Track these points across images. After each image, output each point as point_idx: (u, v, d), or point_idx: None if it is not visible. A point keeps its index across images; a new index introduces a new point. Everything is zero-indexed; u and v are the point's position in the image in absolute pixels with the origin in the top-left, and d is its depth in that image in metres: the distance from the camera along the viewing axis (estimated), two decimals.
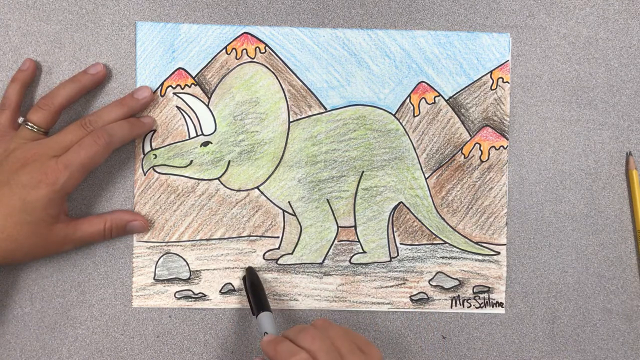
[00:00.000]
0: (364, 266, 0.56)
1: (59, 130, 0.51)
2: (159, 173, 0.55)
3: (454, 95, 0.57)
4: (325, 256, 0.56)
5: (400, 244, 0.56)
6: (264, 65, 0.56)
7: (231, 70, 0.56)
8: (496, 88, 0.57)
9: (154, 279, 0.55)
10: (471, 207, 0.57)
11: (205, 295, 0.55)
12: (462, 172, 0.57)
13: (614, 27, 0.57)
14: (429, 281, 0.56)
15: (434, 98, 0.56)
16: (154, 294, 0.55)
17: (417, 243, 0.56)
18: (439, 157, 0.57)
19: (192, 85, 0.55)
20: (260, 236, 0.56)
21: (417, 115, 0.56)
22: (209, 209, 0.56)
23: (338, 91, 0.56)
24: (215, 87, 0.56)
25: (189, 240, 0.55)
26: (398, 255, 0.56)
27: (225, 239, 0.56)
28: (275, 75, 0.56)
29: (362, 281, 0.56)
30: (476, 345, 0.56)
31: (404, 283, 0.56)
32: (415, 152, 0.56)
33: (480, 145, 0.57)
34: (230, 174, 0.56)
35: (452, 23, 0.57)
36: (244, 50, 0.56)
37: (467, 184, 0.57)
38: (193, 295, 0.55)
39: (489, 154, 0.57)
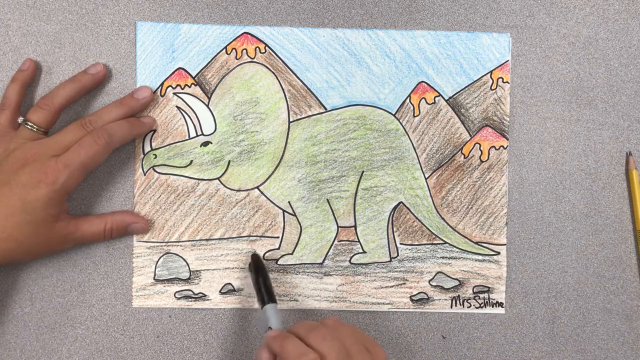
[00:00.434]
0: (364, 266, 0.56)
1: (59, 130, 0.51)
2: (159, 173, 0.55)
3: (454, 95, 0.57)
4: (325, 256, 0.56)
5: (400, 244, 0.56)
6: (264, 65, 0.56)
7: (231, 70, 0.56)
8: (496, 88, 0.57)
9: (154, 279, 0.55)
10: (471, 207, 0.57)
11: (205, 295, 0.55)
12: (462, 172, 0.57)
13: (614, 27, 0.57)
14: (429, 281, 0.56)
15: (434, 98, 0.56)
16: (154, 294, 0.55)
17: (417, 243, 0.56)
18: (439, 157, 0.57)
19: (192, 85, 0.55)
20: (260, 236, 0.56)
21: (417, 115, 0.56)
22: (209, 209, 0.56)
23: (338, 91, 0.56)
24: (215, 87, 0.56)
25: (189, 240, 0.55)
26: (398, 255, 0.56)
27: (225, 239, 0.56)
28: (275, 75, 0.56)
29: (362, 281, 0.56)
30: (476, 345, 0.56)
31: (404, 283, 0.56)
32: (415, 152, 0.56)
33: (480, 145, 0.57)
34: (230, 174, 0.56)
35: (452, 23, 0.57)
36: (244, 50, 0.56)
37: (467, 184, 0.57)
38: (193, 295, 0.55)
39: (488, 154, 0.57)
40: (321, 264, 0.56)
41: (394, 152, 0.56)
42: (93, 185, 0.55)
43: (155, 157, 0.55)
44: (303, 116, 0.56)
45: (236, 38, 0.56)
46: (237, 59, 0.56)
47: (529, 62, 0.57)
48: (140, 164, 0.55)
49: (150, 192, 0.55)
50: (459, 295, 0.56)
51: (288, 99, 0.56)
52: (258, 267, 0.53)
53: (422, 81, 0.56)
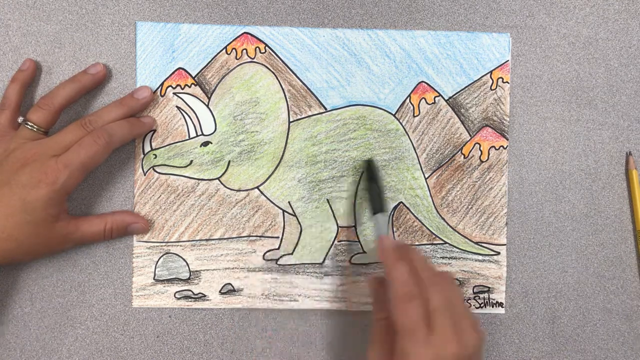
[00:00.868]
0: (364, 266, 0.56)
1: (59, 130, 0.51)
2: (159, 173, 0.55)
3: (453, 95, 0.57)
4: (325, 256, 0.56)
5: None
6: (264, 65, 0.56)
7: (231, 70, 0.56)
8: (496, 88, 0.57)
9: (154, 279, 0.55)
10: (471, 207, 0.57)
11: (205, 296, 0.55)
12: (462, 172, 0.57)
13: (614, 27, 0.57)
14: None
15: (434, 98, 0.56)
16: (154, 294, 0.55)
17: (417, 243, 0.56)
18: (438, 157, 0.57)
19: (192, 85, 0.55)
20: (260, 236, 0.56)
21: (417, 115, 0.56)
22: (209, 209, 0.56)
23: (338, 91, 0.56)
24: (215, 87, 0.56)
25: (188, 241, 0.55)
26: None
27: (225, 239, 0.56)
28: (275, 75, 0.56)
29: (362, 281, 0.56)
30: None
31: None
32: (415, 152, 0.56)
33: (480, 145, 0.57)
34: (230, 174, 0.56)
35: (452, 23, 0.57)
36: (244, 50, 0.56)
37: (467, 184, 0.57)
38: (193, 296, 0.55)
39: (488, 154, 0.57)
40: (321, 264, 0.56)
41: (394, 152, 0.56)
42: (93, 185, 0.55)
43: (155, 157, 0.55)
44: (303, 116, 0.56)
45: (236, 38, 0.56)
46: (237, 59, 0.56)
47: (529, 62, 0.57)
48: (140, 164, 0.55)
49: (150, 192, 0.55)
50: None
51: (288, 99, 0.56)
52: (372, 174, 0.54)
53: (422, 81, 0.56)
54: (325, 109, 0.56)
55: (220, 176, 0.56)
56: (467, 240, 0.56)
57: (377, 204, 0.53)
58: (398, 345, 0.43)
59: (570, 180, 0.57)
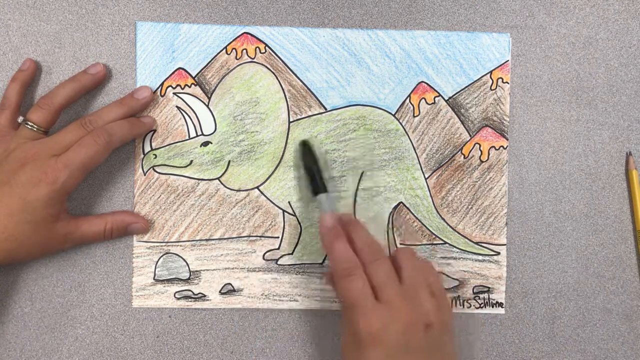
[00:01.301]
0: None
1: (58, 130, 0.51)
2: (159, 173, 0.55)
3: (453, 95, 0.57)
4: (326, 256, 0.56)
5: (400, 244, 0.56)
6: (264, 66, 0.56)
7: (231, 71, 0.56)
8: (496, 88, 0.57)
9: (154, 279, 0.55)
10: (471, 207, 0.57)
11: (205, 296, 0.55)
12: (462, 172, 0.57)
13: (614, 27, 0.57)
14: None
15: (434, 98, 0.56)
16: (153, 294, 0.55)
17: (417, 243, 0.56)
18: (438, 157, 0.57)
19: (192, 85, 0.55)
20: (260, 236, 0.56)
21: (417, 116, 0.56)
22: (209, 209, 0.56)
23: (338, 91, 0.56)
24: (215, 87, 0.56)
25: (188, 241, 0.55)
26: None
27: (225, 239, 0.56)
28: (275, 75, 0.56)
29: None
30: (476, 345, 0.56)
31: None
32: (415, 152, 0.56)
33: (480, 146, 0.57)
34: (230, 174, 0.56)
35: (452, 23, 0.57)
36: (244, 50, 0.56)
37: (467, 184, 0.57)
38: (193, 296, 0.55)
39: (488, 154, 0.57)
40: (321, 264, 0.56)
41: (394, 152, 0.56)
42: (93, 185, 0.55)
43: (155, 157, 0.55)
44: (303, 116, 0.56)
45: (236, 38, 0.56)
46: (237, 59, 0.56)
47: (529, 62, 0.57)
48: (140, 164, 0.55)
49: (150, 192, 0.55)
50: (459, 295, 0.56)
51: (288, 99, 0.56)
52: (308, 155, 0.53)
53: (422, 81, 0.56)
54: (325, 109, 0.56)
55: (220, 176, 0.56)
56: (467, 240, 0.56)
57: (317, 185, 0.52)
58: (347, 320, 0.43)
59: (570, 180, 0.57)
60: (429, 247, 0.56)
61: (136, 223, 0.54)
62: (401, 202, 0.56)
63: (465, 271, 0.56)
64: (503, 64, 0.57)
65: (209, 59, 0.56)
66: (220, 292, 0.55)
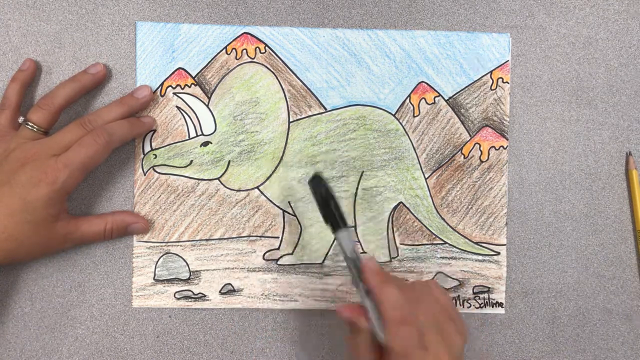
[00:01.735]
0: None
1: (58, 130, 0.51)
2: (159, 173, 0.55)
3: (453, 95, 0.57)
4: (325, 256, 0.56)
5: (400, 244, 0.56)
6: (264, 65, 0.56)
7: (231, 71, 0.56)
8: (496, 88, 0.57)
9: (154, 279, 0.55)
10: (471, 207, 0.57)
11: (205, 296, 0.55)
12: (462, 172, 0.57)
13: (614, 27, 0.57)
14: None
15: (434, 98, 0.56)
16: (153, 294, 0.55)
17: (417, 243, 0.56)
18: (438, 157, 0.57)
19: (192, 85, 0.55)
20: (260, 236, 0.56)
21: (417, 116, 0.56)
22: (209, 209, 0.56)
23: (338, 91, 0.56)
24: (215, 87, 0.56)
25: (188, 241, 0.55)
26: (398, 255, 0.56)
27: (225, 239, 0.56)
28: (275, 75, 0.56)
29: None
30: (476, 346, 0.56)
31: None
32: (415, 152, 0.56)
33: (480, 146, 0.57)
34: (230, 174, 0.56)
35: (452, 23, 0.57)
36: (244, 50, 0.56)
37: (467, 184, 0.57)
38: (193, 296, 0.55)
39: (488, 154, 0.57)
40: (321, 264, 0.56)
41: (394, 152, 0.56)
42: (93, 185, 0.55)
43: (155, 157, 0.55)
44: (303, 116, 0.56)
45: (236, 38, 0.56)
46: (237, 59, 0.56)
47: (529, 62, 0.57)
48: (140, 164, 0.55)
49: (150, 192, 0.55)
50: (459, 295, 0.56)
51: (288, 99, 0.56)
52: (322, 188, 0.48)
53: (422, 81, 0.56)
54: (325, 109, 0.56)
55: (220, 176, 0.56)
56: (467, 240, 0.56)
57: (337, 220, 0.47)
58: None
59: (570, 180, 0.57)
60: (429, 247, 0.56)
61: (136, 223, 0.54)
62: (401, 202, 0.56)
63: (465, 271, 0.56)
64: (503, 64, 0.57)
65: (209, 59, 0.56)
66: (220, 292, 0.55)
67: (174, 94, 0.55)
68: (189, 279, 0.55)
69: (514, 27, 0.57)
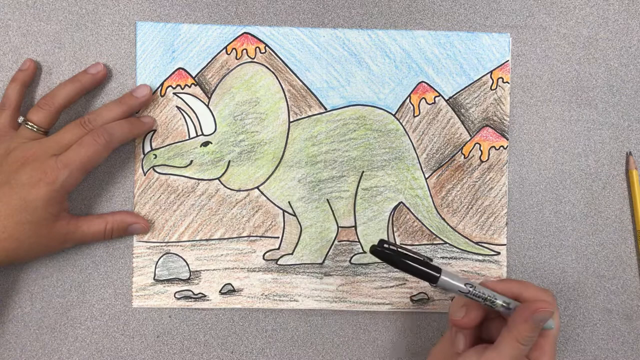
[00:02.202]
0: (364, 266, 0.56)
1: (58, 129, 0.51)
2: (159, 173, 0.55)
3: (454, 95, 0.57)
4: (326, 256, 0.56)
5: (401, 244, 0.56)
6: (264, 65, 0.56)
7: (231, 71, 0.56)
8: (496, 88, 0.57)
9: (154, 279, 0.55)
10: (471, 207, 0.57)
11: (205, 296, 0.55)
12: (462, 172, 0.57)
13: (614, 27, 0.57)
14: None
15: (434, 98, 0.56)
16: (154, 294, 0.55)
17: (417, 243, 0.56)
18: (439, 157, 0.57)
19: (192, 85, 0.55)
20: (260, 236, 0.56)
21: (417, 115, 0.56)
22: (209, 209, 0.56)
23: (338, 91, 0.56)
24: (215, 87, 0.56)
25: (189, 241, 0.55)
26: None
27: (225, 239, 0.56)
28: (275, 75, 0.56)
29: (363, 281, 0.56)
30: None
31: (404, 283, 0.56)
32: (415, 152, 0.56)
33: (480, 145, 0.57)
34: (230, 174, 0.56)
35: (452, 23, 0.57)
36: (244, 51, 0.56)
37: (467, 184, 0.57)
38: (193, 296, 0.55)
39: (489, 154, 0.57)
40: (321, 264, 0.56)
41: (394, 152, 0.56)
42: (93, 185, 0.55)
43: (155, 157, 0.55)
44: (303, 116, 0.56)
45: (236, 38, 0.56)
46: (237, 59, 0.56)
47: (529, 62, 0.57)
48: (140, 164, 0.55)
49: (150, 192, 0.55)
50: None
51: (288, 99, 0.56)
52: (389, 256, 0.45)
53: (422, 81, 0.56)
54: (325, 109, 0.56)
55: (220, 176, 0.56)
56: (467, 240, 0.56)
57: (427, 273, 0.45)
58: None
59: (570, 180, 0.57)
60: (429, 247, 0.56)
61: (136, 223, 0.54)
62: (401, 202, 0.56)
63: (465, 271, 0.56)
64: (503, 64, 0.57)
65: (209, 59, 0.56)
66: (220, 292, 0.55)
67: (174, 94, 0.55)
68: (189, 279, 0.55)
69: (514, 27, 0.57)
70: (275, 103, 0.56)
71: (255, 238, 0.56)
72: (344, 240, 0.56)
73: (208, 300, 0.55)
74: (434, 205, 0.56)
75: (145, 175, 0.55)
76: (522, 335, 0.43)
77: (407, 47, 0.56)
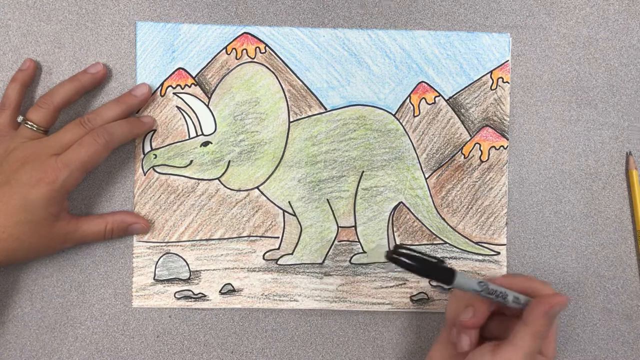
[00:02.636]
0: (364, 266, 0.56)
1: (58, 129, 0.51)
2: (159, 173, 0.55)
3: (454, 95, 0.57)
4: (326, 256, 0.56)
5: (401, 244, 0.56)
6: (264, 65, 0.56)
7: (231, 70, 0.56)
8: (496, 88, 0.57)
9: (154, 279, 0.55)
10: (471, 207, 0.57)
11: (205, 296, 0.55)
12: (462, 172, 0.57)
13: (614, 27, 0.57)
14: (429, 281, 0.56)
15: (434, 98, 0.56)
16: (154, 294, 0.55)
17: (417, 243, 0.56)
18: (439, 157, 0.57)
19: (192, 85, 0.55)
20: (260, 236, 0.56)
21: (417, 115, 0.56)
22: (209, 209, 0.56)
23: (338, 91, 0.56)
24: (215, 87, 0.56)
25: (188, 241, 0.55)
26: None
27: (225, 239, 0.56)
28: (275, 75, 0.56)
29: (363, 281, 0.56)
30: None
31: (404, 283, 0.56)
32: (415, 152, 0.56)
33: (480, 145, 0.57)
34: (230, 174, 0.56)
35: (452, 23, 0.57)
36: (244, 50, 0.56)
37: (467, 184, 0.57)
38: (193, 296, 0.55)
39: (489, 154, 0.57)
40: (321, 264, 0.56)
41: (394, 152, 0.56)
42: (93, 185, 0.55)
43: (155, 157, 0.55)
44: (303, 116, 0.56)
45: (236, 38, 0.56)
46: (237, 59, 0.56)
47: (529, 62, 0.57)
48: (140, 164, 0.55)
49: (150, 192, 0.55)
50: None
51: (288, 99, 0.56)
52: (403, 263, 0.43)
53: (422, 81, 0.56)
54: (325, 109, 0.56)
55: (220, 176, 0.56)
56: (467, 240, 0.56)
57: (445, 274, 0.44)
58: None
59: (570, 180, 0.57)
60: (429, 247, 0.56)
61: (136, 223, 0.54)
62: (401, 202, 0.56)
63: (465, 271, 0.56)
64: (503, 64, 0.57)
65: (209, 59, 0.56)
66: (220, 292, 0.55)
67: (174, 94, 0.55)
68: (189, 279, 0.55)
69: (514, 27, 0.57)
70: (275, 103, 0.56)
71: (255, 238, 0.56)
72: (344, 240, 0.56)
73: (208, 300, 0.55)
74: (434, 205, 0.56)
75: (145, 175, 0.55)
76: (539, 329, 0.44)
77: (407, 47, 0.56)
